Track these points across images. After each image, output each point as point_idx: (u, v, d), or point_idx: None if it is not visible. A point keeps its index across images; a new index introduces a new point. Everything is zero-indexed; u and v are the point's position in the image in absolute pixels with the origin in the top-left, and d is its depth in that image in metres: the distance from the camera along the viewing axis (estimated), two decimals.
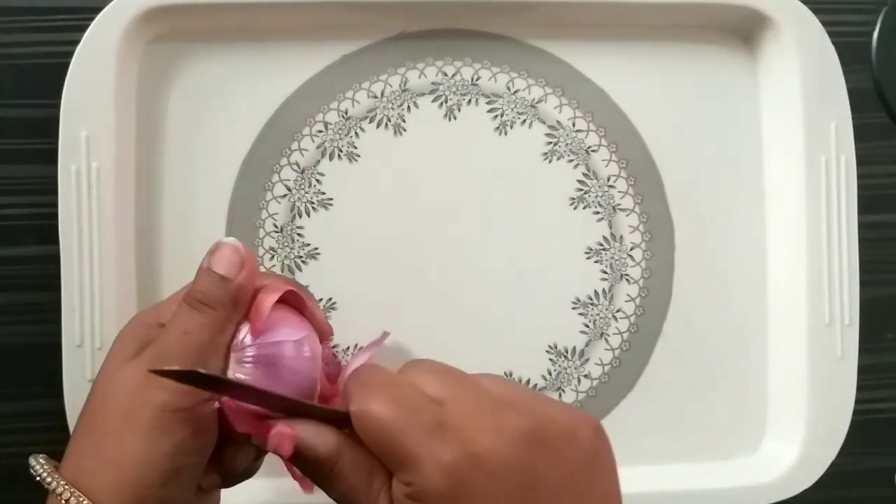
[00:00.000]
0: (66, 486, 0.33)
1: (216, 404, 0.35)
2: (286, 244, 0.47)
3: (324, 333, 0.39)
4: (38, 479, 0.34)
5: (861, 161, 0.47)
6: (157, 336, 0.36)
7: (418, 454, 0.30)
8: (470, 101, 0.47)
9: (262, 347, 0.36)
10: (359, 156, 0.47)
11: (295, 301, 0.39)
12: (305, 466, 0.33)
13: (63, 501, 0.33)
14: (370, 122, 0.47)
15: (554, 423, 0.31)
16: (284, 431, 0.32)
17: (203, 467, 0.35)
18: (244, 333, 0.36)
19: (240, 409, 0.35)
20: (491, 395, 0.32)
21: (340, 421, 0.32)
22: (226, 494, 0.45)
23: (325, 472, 0.32)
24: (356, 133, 0.47)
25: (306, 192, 0.47)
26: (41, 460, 0.35)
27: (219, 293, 0.35)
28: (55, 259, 0.43)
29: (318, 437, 0.32)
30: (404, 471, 0.30)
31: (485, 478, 0.30)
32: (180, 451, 0.34)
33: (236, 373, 0.36)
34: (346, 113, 0.47)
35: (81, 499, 0.33)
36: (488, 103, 0.48)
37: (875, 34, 0.50)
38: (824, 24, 0.46)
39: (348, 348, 0.46)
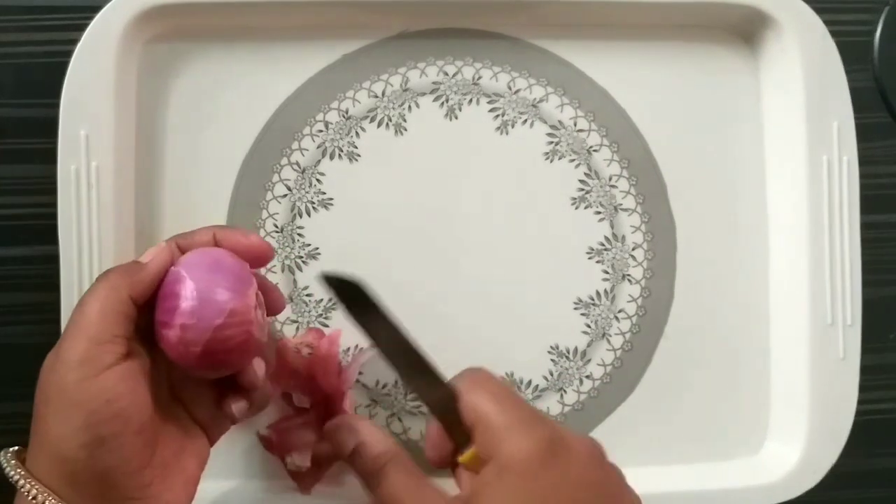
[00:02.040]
0: (19, 471, 0.35)
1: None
2: (286, 244, 0.47)
3: (264, 255, 0.40)
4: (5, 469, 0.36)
5: (863, 161, 0.47)
6: None
7: (520, 427, 0.35)
8: (471, 100, 0.47)
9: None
10: (359, 156, 0.47)
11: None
12: (358, 462, 0.38)
13: (17, 485, 0.35)
14: (371, 121, 0.47)
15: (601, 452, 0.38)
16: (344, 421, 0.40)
17: (137, 437, 0.35)
18: (187, 288, 0.37)
19: (197, 333, 0.36)
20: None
21: (446, 396, 0.37)
22: (224, 495, 0.45)
23: (374, 468, 0.38)
24: (357, 133, 0.47)
25: (307, 192, 0.47)
26: (10, 452, 0.37)
27: (119, 269, 0.37)
28: (55, 259, 0.43)
29: (379, 435, 0.39)
30: (500, 442, 0.35)
31: (571, 460, 0.35)
32: (94, 421, 0.34)
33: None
34: (347, 112, 0.47)
35: (28, 479, 0.35)
36: (489, 103, 0.47)
37: (877, 34, 0.50)
38: (826, 23, 0.46)
39: (349, 349, 0.46)
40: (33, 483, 0.34)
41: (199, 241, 0.40)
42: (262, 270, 0.46)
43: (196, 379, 0.39)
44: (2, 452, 0.36)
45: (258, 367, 0.39)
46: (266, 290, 0.41)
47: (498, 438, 0.35)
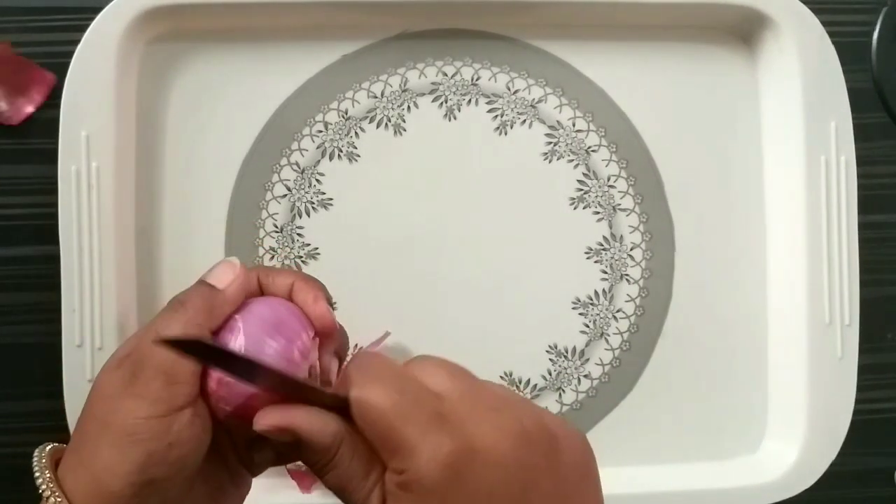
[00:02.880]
0: (50, 486, 0.33)
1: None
2: (286, 244, 0.47)
3: (326, 331, 0.38)
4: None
5: (861, 161, 0.47)
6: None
7: (416, 443, 0.30)
8: (470, 101, 0.47)
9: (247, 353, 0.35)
10: (359, 156, 0.47)
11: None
12: (305, 453, 0.32)
13: (44, 498, 0.33)
14: (370, 122, 0.47)
15: (550, 430, 0.31)
16: (274, 413, 0.32)
17: (185, 480, 0.35)
18: (238, 342, 0.36)
19: (229, 393, 0.34)
20: (492, 393, 0.32)
21: (339, 406, 0.32)
22: None
23: (325, 459, 0.32)
24: (356, 133, 0.47)
25: (306, 192, 0.47)
26: (44, 452, 0.35)
27: (197, 297, 0.36)
28: (55, 259, 0.43)
29: (320, 422, 0.32)
30: (399, 459, 0.30)
31: (480, 472, 0.30)
32: (151, 463, 0.33)
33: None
34: (347, 113, 0.47)
35: (60, 499, 0.33)
36: (488, 103, 0.48)
37: (875, 34, 0.50)
38: (824, 24, 0.46)
39: (349, 349, 0.46)
40: (60, 499, 0.33)
41: (279, 286, 0.38)
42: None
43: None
44: (37, 450, 0.35)
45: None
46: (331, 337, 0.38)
47: (400, 453, 0.30)
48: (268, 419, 0.32)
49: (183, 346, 0.32)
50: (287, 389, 0.33)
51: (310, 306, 0.38)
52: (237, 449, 0.38)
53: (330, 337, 0.38)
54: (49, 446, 0.36)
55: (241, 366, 0.32)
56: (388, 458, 0.31)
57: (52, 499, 0.33)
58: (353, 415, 0.31)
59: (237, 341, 0.35)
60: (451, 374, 0.33)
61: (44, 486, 0.33)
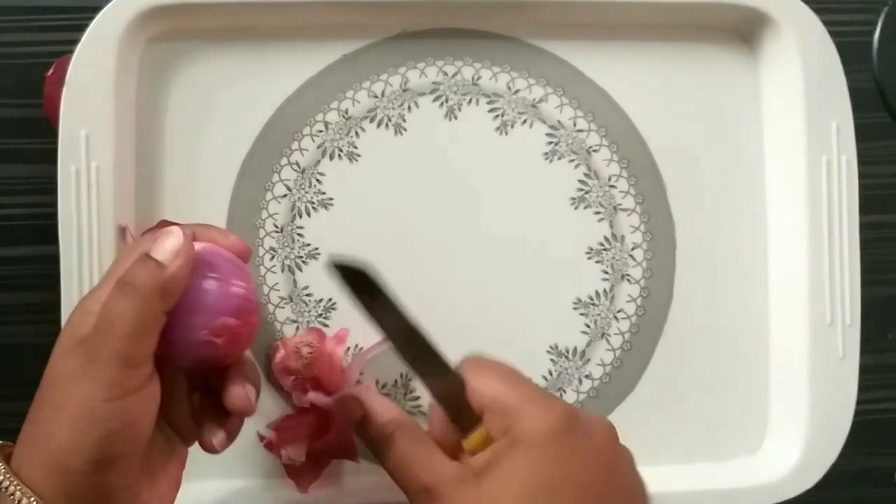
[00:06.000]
0: (7, 475, 0.34)
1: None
2: (286, 244, 0.47)
3: (244, 255, 0.40)
4: None
5: (862, 161, 0.47)
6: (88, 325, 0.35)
7: (528, 406, 0.36)
8: (471, 100, 0.47)
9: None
10: (359, 156, 0.47)
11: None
12: (366, 431, 0.38)
13: (3, 489, 0.34)
14: (370, 121, 0.47)
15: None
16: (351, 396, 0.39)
17: (141, 454, 0.35)
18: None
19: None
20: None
21: (453, 383, 0.38)
22: (223, 495, 0.45)
23: (384, 438, 0.37)
24: (356, 133, 0.47)
25: (306, 192, 0.47)
26: None
27: (146, 278, 0.35)
28: (55, 259, 0.43)
29: (383, 404, 0.39)
30: (512, 419, 0.35)
31: (580, 434, 0.36)
32: (109, 441, 0.33)
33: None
34: (347, 113, 0.47)
35: (18, 485, 0.33)
36: (489, 103, 0.47)
37: (876, 34, 0.50)
38: (825, 23, 0.46)
39: (349, 349, 0.46)
40: (19, 486, 0.33)
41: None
42: (262, 270, 0.46)
43: (173, 391, 0.39)
44: None
45: (249, 392, 0.38)
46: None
47: (512, 416, 0.36)
48: (345, 397, 0.40)
49: (348, 274, 0.38)
50: (406, 347, 0.39)
51: (220, 240, 0.40)
52: (172, 419, 0.39)
53: (247, 259, 0.41)
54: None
55: (390, 310, 0.38)
56: (501, 427, 0.36)
57: (10, 487, 0.33)
58: (470, 389, 0.37)
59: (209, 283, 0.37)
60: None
61: (2, 479, 0.34)
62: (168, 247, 0.35)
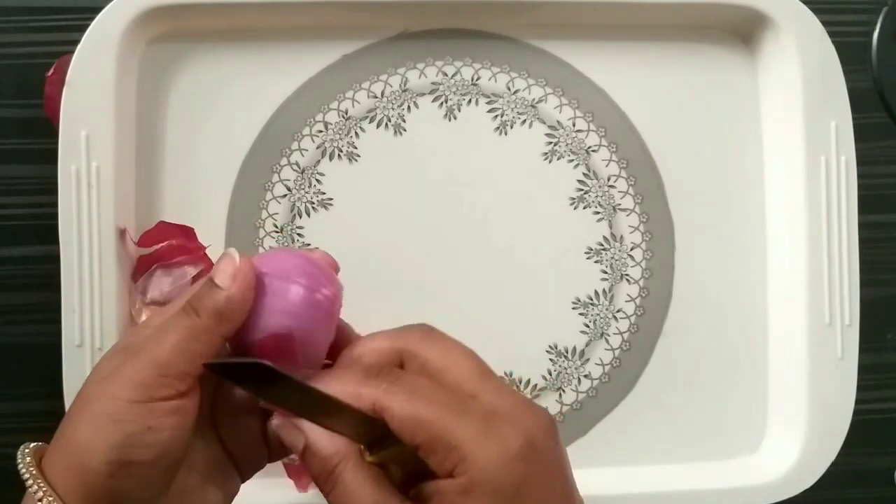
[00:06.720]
0: (33, 473, 0.33)
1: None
2: (286, 244, 0.47)
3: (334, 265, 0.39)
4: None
5: (861, 161, 0.47)
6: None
7: (479, 444, 0.31)
8: (470, 101, 0.47)
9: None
10: (359, 156, 0.47)
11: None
12: (309, 464, 0.34)
13: (26, 484, 0.33)
14: (370, 122, 0.47)
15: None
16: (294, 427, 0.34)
17: (166, 468, 0.34)
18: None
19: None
20: (508, 386, 0.34)
21: (376, 427, 0.32)
22: None
23: (327, 473, 0.33)
24: (356, 133, 0.47)
25: (306, 192, 0.47)
26: (28, 448, 0.35)
27: (207, 301, 0.35)
28: (55, 259, 0.43)
29: (326, 436, 0.33)
30: (461, 464, 0.31)
31: (540, 463, 0.32)
32: (130, 444, 0.33)
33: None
34: (347, 113, 0.47)
35: (38, 479, 0.33)
36: (488, 103, 0.48)
37: (875, 34, 0.50)
38: (824, 24, 0.46)
39: None
40: (42, 485, 0.33)
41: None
42: None
43: (239, 408, 0.37)
44: (21, 446, 0.35)
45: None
46: None
47: (458, 457, 0.31)
48: (281, 425, 0.34)
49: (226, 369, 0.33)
50: (324, 412, 0.33)
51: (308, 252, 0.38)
52: (227, 439, 0.37)
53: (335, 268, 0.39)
54: (33, 444, 0.35)
55: (290, 388, 0.33)
56: (446, 465, 0.31)
57: (34, 486, 0.33)
58: (397, 431, 0.32)
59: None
60: (473, 367, 0.34)
61: (27, 476, 0.34)
62: (226, 269, 0.35)
